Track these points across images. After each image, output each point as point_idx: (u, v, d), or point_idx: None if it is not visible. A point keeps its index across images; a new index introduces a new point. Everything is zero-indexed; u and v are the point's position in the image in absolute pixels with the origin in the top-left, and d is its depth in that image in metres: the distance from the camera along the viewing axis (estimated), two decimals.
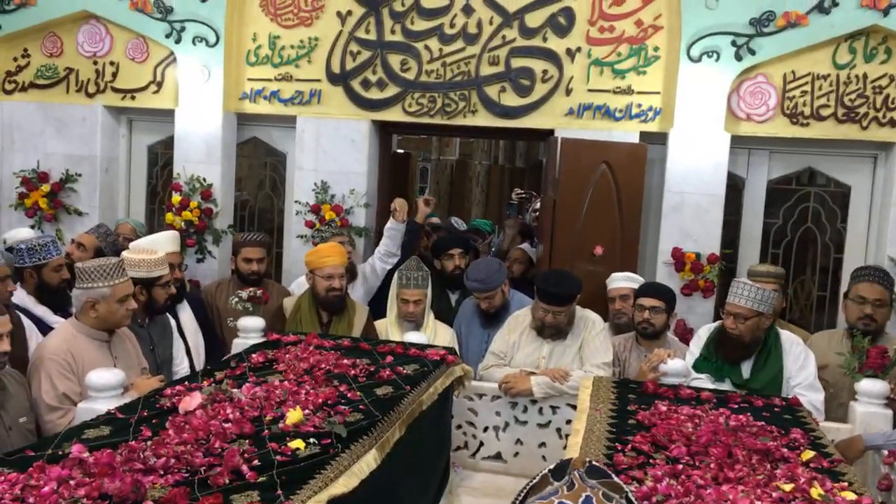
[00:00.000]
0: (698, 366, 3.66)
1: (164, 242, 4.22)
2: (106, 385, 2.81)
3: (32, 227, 5.73)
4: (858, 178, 5.16)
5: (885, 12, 4.64)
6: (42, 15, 5.76)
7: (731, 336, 3.56)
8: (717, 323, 3.80)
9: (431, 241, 6.11)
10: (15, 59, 5.95)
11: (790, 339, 3.66)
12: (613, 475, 1.29)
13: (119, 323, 3.23)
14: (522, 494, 1.32)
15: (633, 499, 1.26)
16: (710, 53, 4.88)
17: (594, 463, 1.30)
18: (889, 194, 4.91)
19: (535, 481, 1.33)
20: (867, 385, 3.35)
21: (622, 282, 4.35)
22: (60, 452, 2.02)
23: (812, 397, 3.44)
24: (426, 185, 14.36)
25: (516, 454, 3.76)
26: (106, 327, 3.20)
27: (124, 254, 3.66)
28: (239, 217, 6.05)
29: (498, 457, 3.79)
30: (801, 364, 3.58)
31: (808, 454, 2.41)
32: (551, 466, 1.34)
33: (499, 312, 4.25)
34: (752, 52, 4.85)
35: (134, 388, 2.99)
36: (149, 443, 2.06)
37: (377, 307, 4.59)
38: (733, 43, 4.86)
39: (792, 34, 4.80)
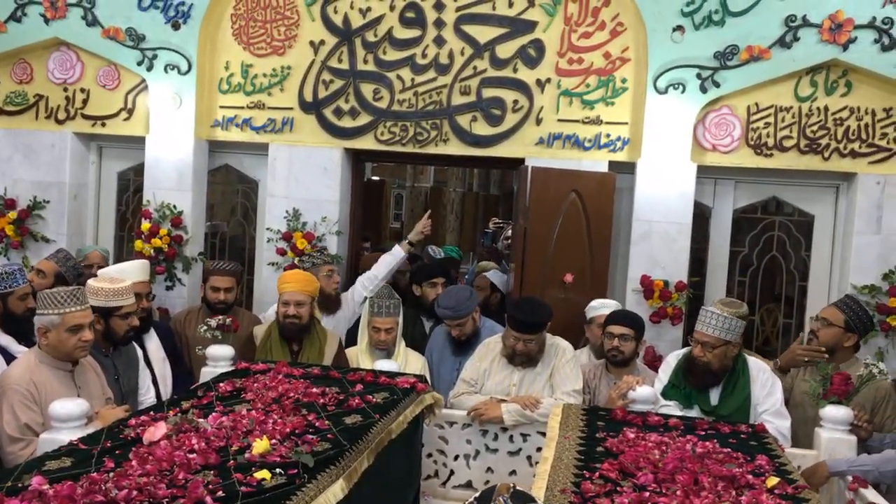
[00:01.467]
0: (667, 393, 3.68)
1: (133, 271, 4.17)
2: (69, 415, 2.76)
3: None
4: (821, 207, 5.28)
5: (845, 47, 4.79)
6: (12, 42, 5.74)
7: (699, 364, 3.59)
8: (686, 350, 3.82)
9: (405, 267, 6.13)
10: None
11: (758, 366, 3.69)
12: (537, 499, 1.31)
13: (70, 353, 3.13)
14: None
15: None
16: (676, 85, 4.99)
17: (518, 488, 1.32)
18: (851, 223, 5.02)
19: None
20: (832, 411, 3.39)
21: (609, 309, 4.36)
22: (20, 485, 1.97)
23: (778, 424, 3.47)
24: (400, 212, 14.41)
25: (487, 482, 3.73)
26: (60, 357, 3.13)
27: (90, 281, 3.60)
28: (210, 244, 6.02)
29: (469, 485, 3.77)
30: (767, 391, 3.60)
31: (773, 481, 2.44)
32: (476, 495, 1.36)
33: (470, 340, 4.26)
34: (717, 85, 4.97)
35: (98, 418, 2.95)
36: (111, 474, 2.02)
37: (349, 334, 4.58)
38: (698, 76, 4.97)
39: (755, 67, 4.92)
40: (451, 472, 3.79)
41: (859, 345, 3.97)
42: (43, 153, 5.83)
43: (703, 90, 4.98)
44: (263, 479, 2.06)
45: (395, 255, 4.96)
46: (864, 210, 4.96)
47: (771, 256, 5.43)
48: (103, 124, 5.78)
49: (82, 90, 5.78)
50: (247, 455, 2.23)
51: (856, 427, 3.43)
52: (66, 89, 5.80)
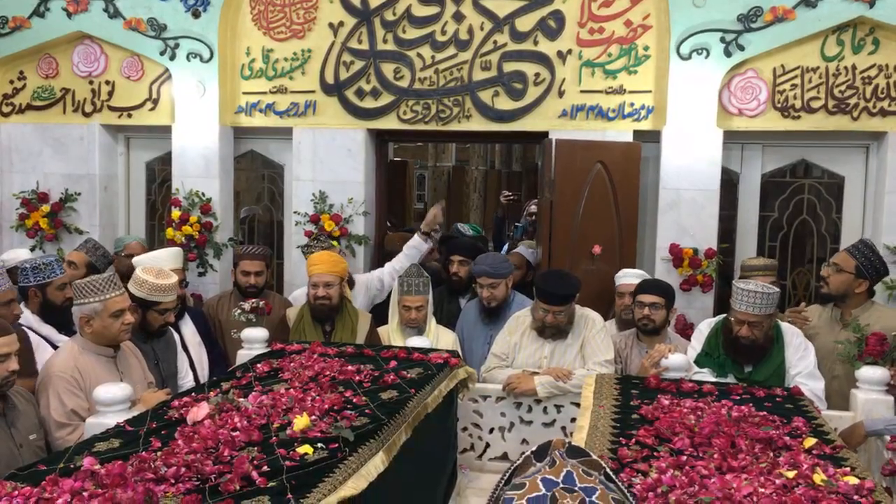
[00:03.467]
0: (700, 361, 3.68)
1: (166, 259, 4.26)
2: (113, 399, 2.84)
3: (33, 248, 5.77)
4: (851, 168, 5.21)
5: (871, 3, 4.69)
6: (37, 37, 5.81)
7: (747, 342, 3.52)
8: (718, 318, 3.81)
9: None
10: (11, 82, 6.00)
11: (790, 331, 3.68)
12: (592, 454, 1.33)
13: (116, 337, 3.22)
14: (507, 475, 1.36)
15: (612, 475, 1.29)
16: (700, 50, 4.93)
17: (573, 444, 1.34)
18: (882, 183, 4.95)
19: (518, 462, 1.37)
20: (868, 372, 3.37)
21: (631, 278, 4.36)
22: (72, 466, 2.04)
23: (813, 386, 3.46)
24: (423, 192, 14.41)
25: (523, 454, 3.76)
26: (104, 342, 3.21)
27: (137, 271, 3.65)
28: (239, 230, 6.09)
29: (504, 457, 3.81)
30: (801, 354, 3.59)
31: (811, 441, 2.44)
32: (533, 448, 1.38)
33: (500, 308, 4.29)
34: (741, 48, 4.90)
35: (141, 401, 3.02)
36: (159, 453, 2.09)
37: (379, 314, 4.62)
38: (722, 39, 4.91)
39: (780, 28, 4.84)
40: (487, 445, 3.83)
41: (873, 290, 3.93)
42: (72, 146, 5.92)
43: (728, 54, 4.91)
44: (306, 454, 2.11)
45: (417, 247, 4.93)
46: (895, 169, 4.88)
47: (801, 220, 5.37)
48: (129, 115, 5.86)
49: (107, 82, 5.85)
50: (288, 431, 2.28)
51: (893, 387, 3.41)
52: (91, 82, 5.88)
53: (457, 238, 5.96)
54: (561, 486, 1.23)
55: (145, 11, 5.61)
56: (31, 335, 3.54)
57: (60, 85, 5.93)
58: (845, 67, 4.89)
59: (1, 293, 3.42)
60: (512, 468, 1.37)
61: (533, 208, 7.06)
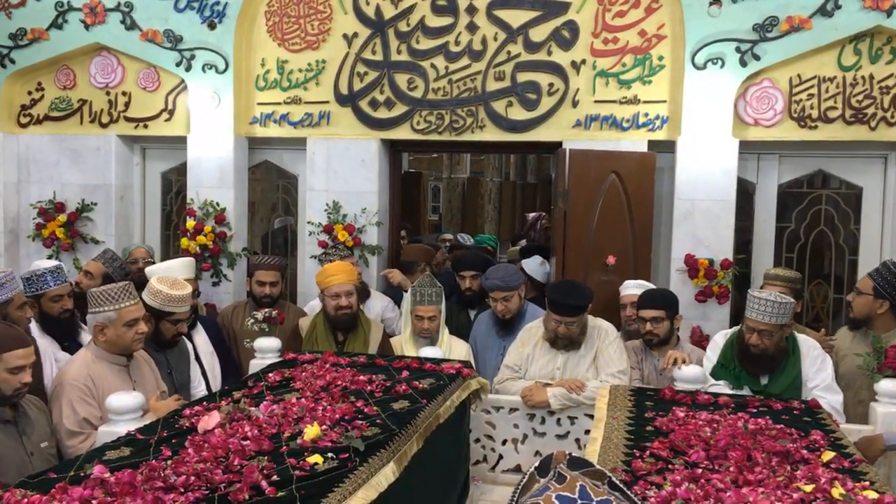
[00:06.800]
0: (716, 373, 3.63)
1: (179, 268, 4.27)
2: (125, 408, 2.84)
3: (50, 257, 5.82)
4: (870, 178, 5.15)
5: (889, 13, 4.65)
6: (55, 49, 5.88)
7: (757, 352, 3.49)
8: (734, 329, 3.76)
9: (443, 256, 6.15)
10: (29, 93, 6.07)
11: (807, 343, 3.63)
12: (593, 463, 1.31)
13: (129, 347, 3.23)
14: (515, 496, 1.34)
15: (616, 482, 1.27)
16: (715, 60, 4.91)
17: (574, 455, 1.32)
18: None
19: (524, 481, 1.35)
20: (887, 385, 3.32)
21: (633, 289, 4.34)
22: (82, 474, 2.04)
23: (831, 399, 3.40)
24: (438, 204, 14.42)
25: (526, 472, 3.72)
26: (118, 351, 3.22)
27: (152, 281, 3.67)
28: (252, 239, 6.11)
29: (517, 469, 3.77)
30: (818, 367, 3.54)
31: (829, 455, 2.39)
32: (536, 465, 1.36)
33: (514, 320, 4.26)
34: (757, 58, 4.87)
35: (152, 410, 3.02)
36: (169, 462, 2.08)
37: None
38: (737, 49, 4.88)
39: (796, 38, 4.81)
40: (500, 457, 3.79)
41: None
42: (89, 156, 5.98)
43: (743, 64, 4.88)
44: (316, 464, 2.09)
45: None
46: None
47: (819, 231, 5.32)
48: (145, 126, 5.90)
49: (124, 93, 5.91)
50: (299, 441, 2.26)
51: None
52: (108, 93, 5.93)
53: (463, 253, 5.92)
54: (579, 502, 1.21)
55: (161, 23, 5.67)
56: (41, 343, 3.54)
57: (78, 96, 5.99)
58: (863, 77, 4.85)
59: (14, 296, 3.44)
60: (518, 488, 1.35)
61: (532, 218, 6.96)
